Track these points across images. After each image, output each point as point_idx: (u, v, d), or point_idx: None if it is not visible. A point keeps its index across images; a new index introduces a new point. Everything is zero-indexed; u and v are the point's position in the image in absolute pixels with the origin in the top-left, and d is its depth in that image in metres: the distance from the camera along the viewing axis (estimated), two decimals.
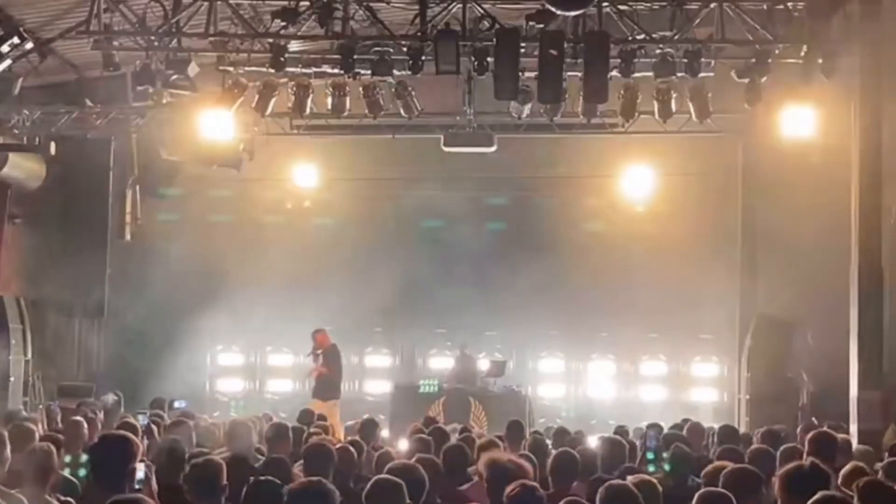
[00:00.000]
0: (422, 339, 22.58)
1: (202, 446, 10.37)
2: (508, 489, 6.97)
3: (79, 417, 12.15)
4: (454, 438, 11.78)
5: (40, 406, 16.89)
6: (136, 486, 6.89)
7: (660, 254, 20.08)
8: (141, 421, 12.26)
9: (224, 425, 12.85)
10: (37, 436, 9.44)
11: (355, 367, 22.66)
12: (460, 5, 16.41)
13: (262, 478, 7.05)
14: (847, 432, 14.46)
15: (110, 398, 17.71)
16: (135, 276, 19.73)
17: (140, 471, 7.03)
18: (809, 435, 9.45)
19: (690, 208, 20.64)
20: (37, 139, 18.33)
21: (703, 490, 7.05)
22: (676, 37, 16.70)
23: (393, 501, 6.60)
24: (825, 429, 9.94)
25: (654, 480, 7.74)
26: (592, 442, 12.87)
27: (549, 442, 12.43)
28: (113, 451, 7.02)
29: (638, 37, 16.69)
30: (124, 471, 6.91)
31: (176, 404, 17.33)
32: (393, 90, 17.95)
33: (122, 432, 8.08)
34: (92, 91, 17.81)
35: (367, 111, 18.25)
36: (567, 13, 15.37)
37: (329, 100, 17.88)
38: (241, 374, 22.58)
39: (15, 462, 7.79)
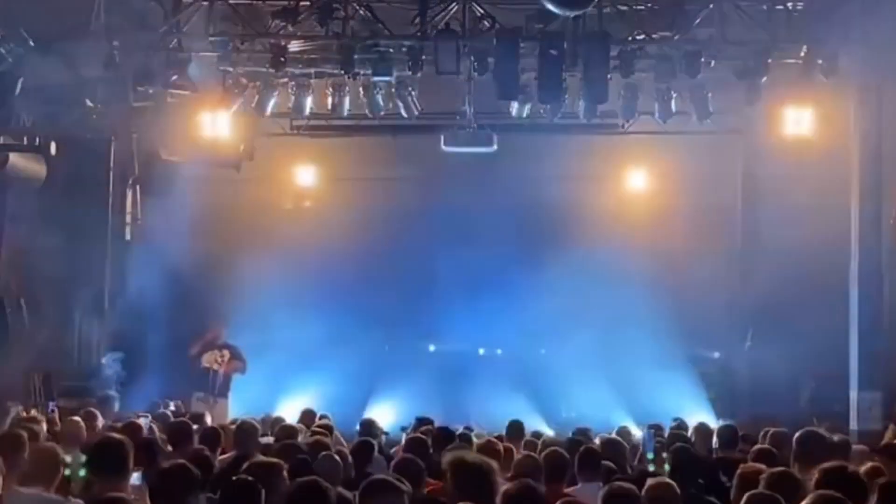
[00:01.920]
0: (423, 338, 22.53)
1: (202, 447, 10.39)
2: (506, 487, 6.91)
3: (77, 417, 12.17)
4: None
5: (39, 406, 16.87)
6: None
7: (660, 253, 20.07)
8: (144, 423, 12.27)
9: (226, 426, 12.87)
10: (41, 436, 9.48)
11: None
12: (460, 5, 16.44)
13: (240, 478, 7.04)
14: (847, 432, 14.46)
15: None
16: (135, 276, 19.71)
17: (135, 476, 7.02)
18: (796, 435, 9.34)
19: (691, 208, 20.63)
20: (37, 139, 18.32)
21: (751, 492, 6.95)
22: (676, 37, 16.71)
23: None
24: (813, 428, 9.79)
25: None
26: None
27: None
28: (110, 454, 7.01)
29: (638, 37, 16.71)
30: (122, 472, 6.90)
31: (172, 406, 17.32)
32: (393, 90, 17.95)
33: (117, 436, 8.08)
34: (92, 91, 17.79)
35: (367, 111, 18.26)
36: (567, 13, 15.39)
37: (329, 100, 17.89)
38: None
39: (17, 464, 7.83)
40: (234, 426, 12.17)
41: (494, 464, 7.46)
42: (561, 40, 16.04)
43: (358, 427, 13.40)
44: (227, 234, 20.60)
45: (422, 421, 14.00)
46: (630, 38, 16.66)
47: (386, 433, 15.11)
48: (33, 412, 14.88)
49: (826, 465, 7.19)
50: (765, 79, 16.71)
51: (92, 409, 13.91)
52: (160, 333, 20.02)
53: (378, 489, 6.61)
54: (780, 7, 16.49)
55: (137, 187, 20.80)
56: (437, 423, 13.58)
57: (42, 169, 18.87)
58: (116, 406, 17.07)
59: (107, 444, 7.30)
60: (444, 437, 11.72)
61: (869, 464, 8.62)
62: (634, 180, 21.80)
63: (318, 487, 6.39)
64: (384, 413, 19.29)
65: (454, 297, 20.92)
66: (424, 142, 19.95)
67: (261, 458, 8.33)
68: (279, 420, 15.12)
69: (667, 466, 10.64)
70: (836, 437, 11.28)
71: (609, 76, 16.40)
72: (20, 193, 19.08)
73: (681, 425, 14.14)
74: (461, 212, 20.89)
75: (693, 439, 12.92)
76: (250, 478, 6.87)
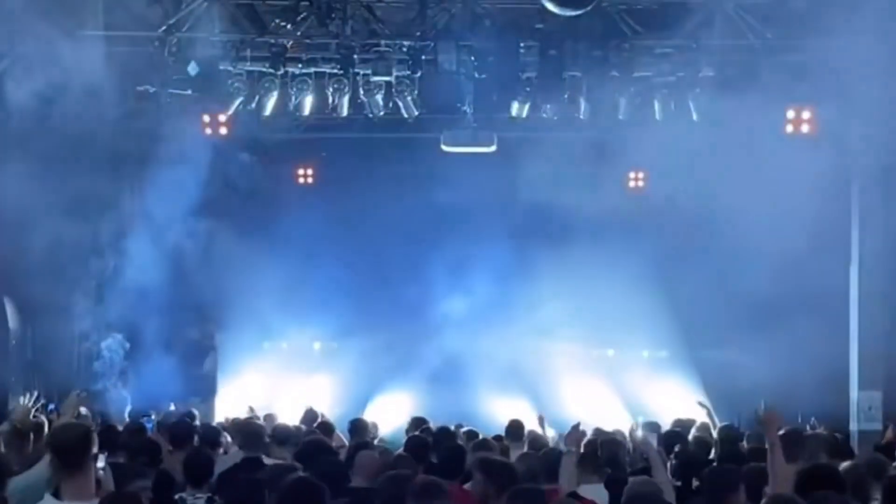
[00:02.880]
0: (420, 338, 22.51)
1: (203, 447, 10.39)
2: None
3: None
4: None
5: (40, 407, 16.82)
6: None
7: (660, 253, 20.07)
8: (148, 424, 12.27)
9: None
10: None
11: None
12: (460, 5, 16.46)
13: (302, 477, 7.02)
14: (847, 432, 14.49)
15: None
16: (135, 276, 19.71)
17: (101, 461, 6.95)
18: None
19: (691, 207, 20.61)
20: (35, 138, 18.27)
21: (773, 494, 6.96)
22: (677, 36, 16.73)
23: None
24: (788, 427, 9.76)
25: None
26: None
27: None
28: (70, 440, 6.94)
29: (638, 37, 16.73)
30: (83, 458, 6.83)
31: (172, 406, 17.34)
32: (393, 90, 17.95)
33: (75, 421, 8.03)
34: (92, 91, 17.79)
35: (366, 111, 18.26)
36: (567, 13, 15.40)
37: (329, 100, 17.90)
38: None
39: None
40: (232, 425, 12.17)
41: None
42: (561, 40, 16.06)
43: (348, 428, 13.31)
44: (227, 232, 20.60)
45: (417, 421, 13.96)
46: (630, 38, 16.67)
47: (380, 437, 15.01)
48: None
49: (806, 465, 7.24)
50: (765, 78, 16.73)
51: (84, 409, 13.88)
52: (161, 332, 20.01)
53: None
54: (780, 6, 16.50)
55: (136, 187, 20.77)
56: (433, 423, 13.58)
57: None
58: (115, 403, 17.09)
59: (66, 429, 7.18)
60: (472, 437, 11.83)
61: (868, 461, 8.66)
62: (634, 180, 21.77)
63: (311, 485, 6.38)
64: (381, 412, 19.32)
65: (453, 296, 20.93)
66: (424, 142, 19.94)
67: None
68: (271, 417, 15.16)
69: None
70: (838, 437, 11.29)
71: (609, 76, 16.44)
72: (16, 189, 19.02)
73: (680, 422, 14.09)
74: (460, 212, 20.89)
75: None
76: (312, 478, 6.77)
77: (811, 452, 9.49)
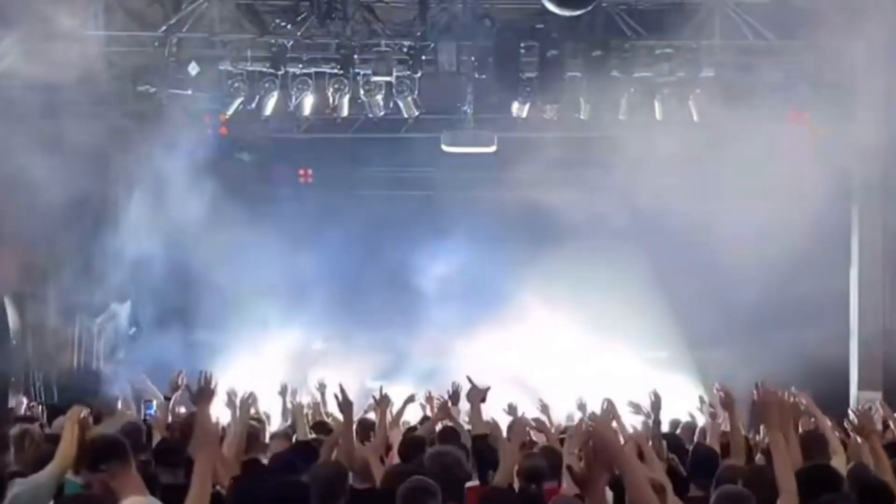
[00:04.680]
0: (419, 338, 22.51)
1: None
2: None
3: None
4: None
5: (40, 405, 16.84)
6: None
7: (660, 254, 20.06)
8: (149, 411, 12.21)
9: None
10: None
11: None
12: (460, 5, 16.47)
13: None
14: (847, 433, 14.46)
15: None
16: (135, 275, 19.71)
17: None
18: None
19: (691, 208, 20.60)
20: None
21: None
22: (677, 37, 16.75)
23: None
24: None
25: None
26: None
27: None
28: (109, 445, 6.95)
29: (638, 37, 16.74)
30: (126, 461, 6.83)
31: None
32: (393, 90, 17.96)
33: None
34: (93, 90, 17.80)
35: (366, 111, 18.28)
36: (567, 13, 15.42)
37: (329, 100, 17.91)
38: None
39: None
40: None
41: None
42: (561, 40, 16.08)
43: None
44: (227, 232, 20.59)
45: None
46: (630, 38, 16.68)
47: None
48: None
49: (804, 465, 7.20)
50: (764, 79, 16.75)
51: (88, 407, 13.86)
52: (161, 330, 19.99)
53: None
54: (781, 7, 16.52)
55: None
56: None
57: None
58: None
59: (101, 437, 7.22)
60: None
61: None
62: (634, 180, 21.76)
63: (299, 487, 6.39)
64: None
65: (452, 296, 20.92)
66: (424, 142, 19.94)
67: None
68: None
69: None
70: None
71: (609, 76, 16.45)
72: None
73: (690, 425, 14.05)
74: (460, 212, 20.90)
75: (697, 439, 12.88)
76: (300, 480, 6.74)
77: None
